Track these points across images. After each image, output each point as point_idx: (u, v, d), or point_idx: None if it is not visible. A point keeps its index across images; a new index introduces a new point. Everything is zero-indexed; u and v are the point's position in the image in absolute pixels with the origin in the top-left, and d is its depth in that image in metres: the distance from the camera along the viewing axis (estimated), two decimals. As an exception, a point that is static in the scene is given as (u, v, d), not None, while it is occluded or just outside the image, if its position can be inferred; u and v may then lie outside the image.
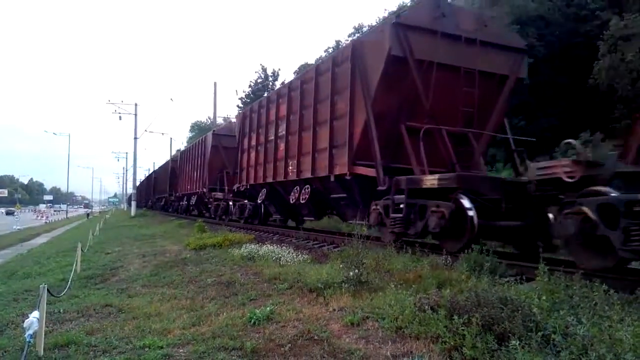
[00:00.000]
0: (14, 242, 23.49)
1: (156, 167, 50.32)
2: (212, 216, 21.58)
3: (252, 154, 16.15)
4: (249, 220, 16.88)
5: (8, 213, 68.14)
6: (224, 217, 19.80)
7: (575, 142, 6.77)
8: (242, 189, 17.18)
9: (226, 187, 20.07)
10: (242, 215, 17.39)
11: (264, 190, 15.15)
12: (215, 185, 21.47)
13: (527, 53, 10.35)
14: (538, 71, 18.91)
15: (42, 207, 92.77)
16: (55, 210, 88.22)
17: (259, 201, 15.60)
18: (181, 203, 29.11)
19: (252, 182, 16.07)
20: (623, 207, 5.30)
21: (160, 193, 40.95)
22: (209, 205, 22.12)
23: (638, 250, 5.17)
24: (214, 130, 23.30)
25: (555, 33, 21.22)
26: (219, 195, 20.44)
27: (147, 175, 62.74)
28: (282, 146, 13.65)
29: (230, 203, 18.87)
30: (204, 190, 22.42)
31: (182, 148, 41.91)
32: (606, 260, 5.71)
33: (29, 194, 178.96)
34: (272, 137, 14.43)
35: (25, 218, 52.96)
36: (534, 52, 17.75)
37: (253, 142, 16.14)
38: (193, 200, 25.62)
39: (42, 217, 57.20)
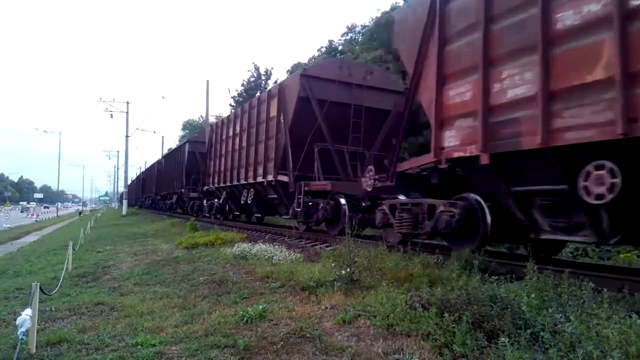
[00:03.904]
0: (4, 240, 23.21)
1: (148, 166, 52.01)
2: (190, 213, 24.54)
3: (217, 161, 19.22)
4: (216, 215, 19.69)
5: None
6: (199, 213, 22.77)
7: None
8: (211, 190, 20.30)
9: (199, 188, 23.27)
10: (210, 211, 20.44)
11: (224, 192, 18.31)
12: (192, 186, 24.99)
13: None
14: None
15: (31, 205, 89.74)
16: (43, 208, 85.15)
17: (222, 201, 18.90)
18: (166, 202, 32.61)
19: (217, 184, 19.14)
20: None
21: (147, 192, 44.79)
22: (186, 205, 26.10)
23: None
24: (188, 139, 28.51)
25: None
26: (194, 195, 24.21)
27: (137, 175, 63.31)
28: (237, 156, 16.62)
29: (204, 201, 21.96)
30: (182, 190, 26.10)
31: (167, 150, 44.94)
32: None
33: (19, 192, 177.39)
34: (231, 149, 17.36)
35: (15, 216, 52.50)
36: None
37: (219, 152, 19.12)
38: (174, 198, 29.31)
39: (32, 215, 56.72)
